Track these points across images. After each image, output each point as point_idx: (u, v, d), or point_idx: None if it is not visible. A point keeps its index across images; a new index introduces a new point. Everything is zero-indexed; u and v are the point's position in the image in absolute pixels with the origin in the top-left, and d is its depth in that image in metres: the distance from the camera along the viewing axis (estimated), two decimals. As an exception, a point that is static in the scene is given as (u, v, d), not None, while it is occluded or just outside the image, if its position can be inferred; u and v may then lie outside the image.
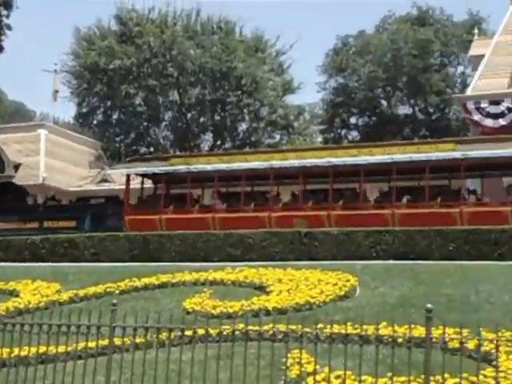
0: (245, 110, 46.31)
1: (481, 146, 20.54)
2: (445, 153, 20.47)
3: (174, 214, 23.58)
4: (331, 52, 52.25)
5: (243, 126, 48.10)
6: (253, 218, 21.93)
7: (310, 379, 7.35)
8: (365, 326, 7.54)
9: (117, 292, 14.59)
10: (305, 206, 22.27)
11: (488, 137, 24.11)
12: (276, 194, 24.15)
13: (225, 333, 8.23)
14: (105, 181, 33.83)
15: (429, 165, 20.68)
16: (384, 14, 53.88)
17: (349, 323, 7.69)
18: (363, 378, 6.97)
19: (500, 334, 7.39)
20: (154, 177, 25.59)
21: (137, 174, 25.99)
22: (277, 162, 22.60)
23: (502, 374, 7.02)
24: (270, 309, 11.58)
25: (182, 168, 23.90)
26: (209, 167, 23.48)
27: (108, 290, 14.74)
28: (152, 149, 47.05)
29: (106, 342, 7.92)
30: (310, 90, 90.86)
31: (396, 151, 21.29)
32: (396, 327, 7.65)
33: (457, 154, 20.32)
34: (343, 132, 52.86)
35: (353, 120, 52.78)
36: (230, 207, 23.60)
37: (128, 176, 25.56)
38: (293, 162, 22.45)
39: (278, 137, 49.30)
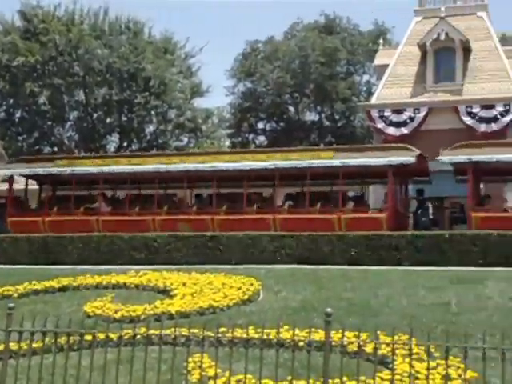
0: (152, 112, 46.02)
1: (358, 154, 21.15)
2: (324, 160, 21.01)
3: (57, 216, 23.05)
4: (240, 57, 52.52)
5: (150, 128, 47.76)
6: (137, 222, 21.80)
7: (211, 383, 7.33)
8: (266, 330, 7.59)
9: (15, 295, 14.19)
10: (189, 211, 22.29)
11: (366, 146, 25.20)
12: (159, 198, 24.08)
13: (126, 337, 8.13)
14: (6, 181, 32.70)
15: (309, 171, 21.12)
16: (293, 21, 54.71)
17: (251, 327, 7.73)
18: (263, 381, 7.01)
19: (397, 337, 7.58)
20: (38, 178, 24.89)
21: (20, 175, 25.29)
22: (163, 165, 22.41)
23: (397, 377, 7.20)
24: (174, 313, 11.49)
25: (66, 170, 23.32)
26: (94, 170, 23.04)
27: (6, 293, 14.31)
28: (56, 149, 46.05)
29: (1, 346, 7.68)
30: (218, 94, 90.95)
31: (279, 158, 21.66)
32: (297, 331, 7.75)
33: (335, 162, 20.87)
34: (251, 137, 53.17)
35: (260, 125, 53.17)
36: (116, 210, 23.35)
37: (11, 177, 24.85)
38: (177, 166, 22.28)
39: (185, 139, 49.21)
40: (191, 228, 20.39)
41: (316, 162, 20.90)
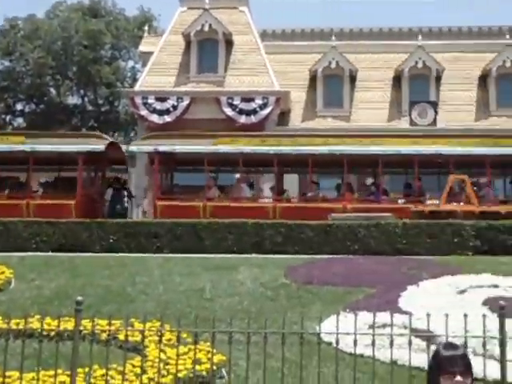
0: None
1: (52, 140, 21.31)
2: (13, 145, 20.86)
3: None
4: (-2, 34, 49.87)
5: None
6: None
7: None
8: (16, 320, 7.28)
9: None
10: None
11: (62, 133, 27.22)
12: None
13: None
14: None
15: None
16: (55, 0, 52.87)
17: (-2, 318, 7.37)
18: (9, 373, 6.71)
19: (150, 324, 7.61)
20: None
21: None
22: None
23: (149, 363, 7.22)
24: None
25: None
26: None
27: None
28: None
29: None
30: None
31: None
32: (49, 320, 7.51)
33: (25, 147, 20.76)
34: (8, 118, 50.82)
35: (19, 106, 50.99)
36: None
37: None
38: None
39: None
40: None
41: (3, 147, 20.62)
